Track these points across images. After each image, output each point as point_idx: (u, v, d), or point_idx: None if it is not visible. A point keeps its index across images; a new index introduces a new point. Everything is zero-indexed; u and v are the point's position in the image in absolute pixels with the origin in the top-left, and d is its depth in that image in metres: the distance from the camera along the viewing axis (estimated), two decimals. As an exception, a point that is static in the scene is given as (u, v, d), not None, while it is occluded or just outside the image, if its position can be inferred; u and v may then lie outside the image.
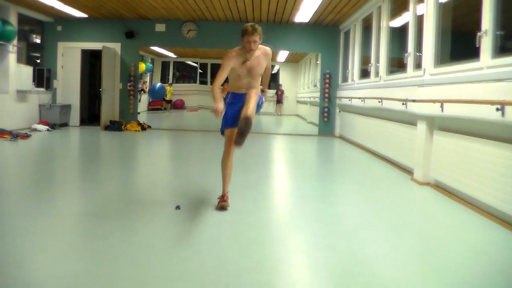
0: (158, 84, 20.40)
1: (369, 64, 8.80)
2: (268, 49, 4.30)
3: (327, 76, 11.96)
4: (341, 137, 11.36)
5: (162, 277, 2.62)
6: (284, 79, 23.05)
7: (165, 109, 20.78)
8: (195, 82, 23.06)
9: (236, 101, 4.19)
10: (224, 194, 4.23)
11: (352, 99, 9.79)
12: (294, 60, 21.62)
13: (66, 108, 11.79)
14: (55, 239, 3.23)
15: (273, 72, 23.53)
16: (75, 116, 12.04)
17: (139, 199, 4.60)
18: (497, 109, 3.94)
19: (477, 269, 2.98)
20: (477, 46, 4.54)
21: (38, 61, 11.96)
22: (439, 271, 2.85)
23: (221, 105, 3.96)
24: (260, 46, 4.20)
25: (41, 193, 4.65)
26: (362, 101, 8.82)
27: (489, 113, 4.07)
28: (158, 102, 20.77)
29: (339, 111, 11.67)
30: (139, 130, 11.29)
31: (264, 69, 4.31)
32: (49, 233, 3.36)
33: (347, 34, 11.23)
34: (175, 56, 21.32)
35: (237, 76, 4.14)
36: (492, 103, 3.99)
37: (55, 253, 2.95)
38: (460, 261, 3.09)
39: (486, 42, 4.42)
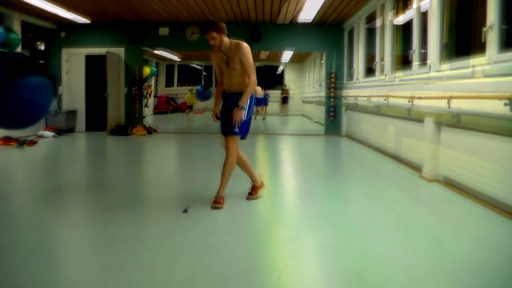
0: (199, 87, 19.99)
1: (374, 62, 8.78)
2: (240, 42, 4.34)
3: (332, 75, 11.95)
4: (348, 136, 11.33)
5: (171, 281, 2.61)
6: (289, 79, 23.07)
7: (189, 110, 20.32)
8: (200, 84, 23.08)
9: (224, 101, 4.51)
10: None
11: (358, 98, 9.77)
12: (298, 60, 21.59)
13: (72, 113, 11.86)
14: (63, 246, 3.24)
15: (277, 72, 23.53)
16: (81, 121, 12.13)
17: (146, 204, 4.60)
18: (505, 104, 3.91)
19: (489, 264, 2.94)
20: (483, 41, 4.51)
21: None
22: (451, 269, 2.82)
23: (215, 111, 4.51)
24: (234, 40, 4.35)
25: (48, 200, 4.66)
26: (367, 99, 8.79)
27: (497, 108, 4.04)
28: (164, 105, 20.81)
29: (345, 110, 11.64)
30: (145, 134, 11.32)
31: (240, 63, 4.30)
32: (56, 240, 3.37)
33: (351, 32, 11.23)
34: (180, 60, 21.34)
35: (221, 72, 4.49)
36: (500, 98, 3.96)
37: (62, 259, 2.96)
38: (472, 258, 3.06)
39: (492, 37, 4.38)
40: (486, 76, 4.39)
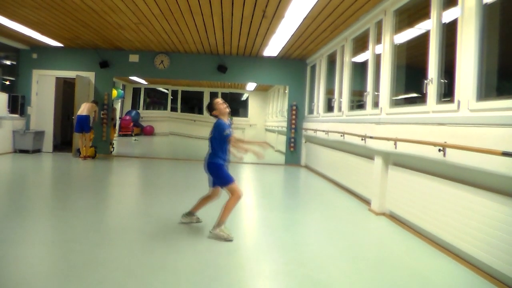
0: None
1: (333, 99, 9.31)
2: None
3: (294, 108, 12.50)
4: (307, 167, 11.83)
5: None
6: (253, 107, 23.53)
7: None
8: (165, 108, 23.31)
9: None
10: None
11: (317, 131, 10.29)
12: (263, 89, 22.14)
13: (40, 134, 11.97)
14: (42, 265, 3.51)
15: (242, 99, 24.05)
16: (48, 142, 12.23)
17: (114, 229, 4.86)
18: (439, 150, 4.45)
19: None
20: (424, 92, 5.08)
21: (7, 82, 12.09)
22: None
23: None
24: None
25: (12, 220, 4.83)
26: (326, 133, 9.30)
27: (433, 153, 4.59)
28: (129, 128, 20.93)
29: (305, 142, 12.17)
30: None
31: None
32: (35, 260, 3.62)
33: (313, 68, 11.78)
34: (146, 83, 21.60)
35: None
36: (435, 144, 4.50)
37: (41, 278, 3.23)
38: (404, 285, 3.53)
39: (431, 89, 4.96)
40: (425, 123, 4.94)
